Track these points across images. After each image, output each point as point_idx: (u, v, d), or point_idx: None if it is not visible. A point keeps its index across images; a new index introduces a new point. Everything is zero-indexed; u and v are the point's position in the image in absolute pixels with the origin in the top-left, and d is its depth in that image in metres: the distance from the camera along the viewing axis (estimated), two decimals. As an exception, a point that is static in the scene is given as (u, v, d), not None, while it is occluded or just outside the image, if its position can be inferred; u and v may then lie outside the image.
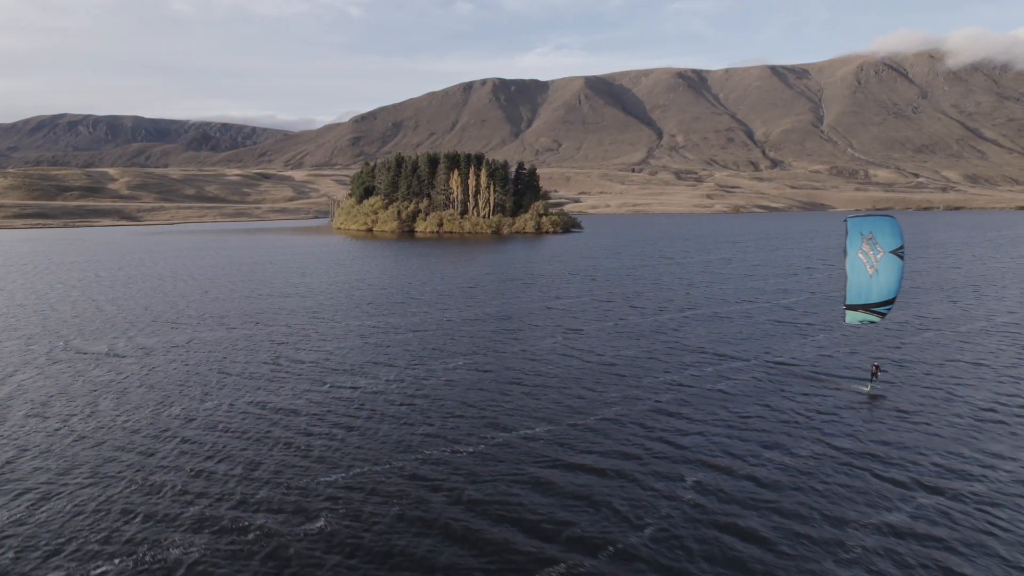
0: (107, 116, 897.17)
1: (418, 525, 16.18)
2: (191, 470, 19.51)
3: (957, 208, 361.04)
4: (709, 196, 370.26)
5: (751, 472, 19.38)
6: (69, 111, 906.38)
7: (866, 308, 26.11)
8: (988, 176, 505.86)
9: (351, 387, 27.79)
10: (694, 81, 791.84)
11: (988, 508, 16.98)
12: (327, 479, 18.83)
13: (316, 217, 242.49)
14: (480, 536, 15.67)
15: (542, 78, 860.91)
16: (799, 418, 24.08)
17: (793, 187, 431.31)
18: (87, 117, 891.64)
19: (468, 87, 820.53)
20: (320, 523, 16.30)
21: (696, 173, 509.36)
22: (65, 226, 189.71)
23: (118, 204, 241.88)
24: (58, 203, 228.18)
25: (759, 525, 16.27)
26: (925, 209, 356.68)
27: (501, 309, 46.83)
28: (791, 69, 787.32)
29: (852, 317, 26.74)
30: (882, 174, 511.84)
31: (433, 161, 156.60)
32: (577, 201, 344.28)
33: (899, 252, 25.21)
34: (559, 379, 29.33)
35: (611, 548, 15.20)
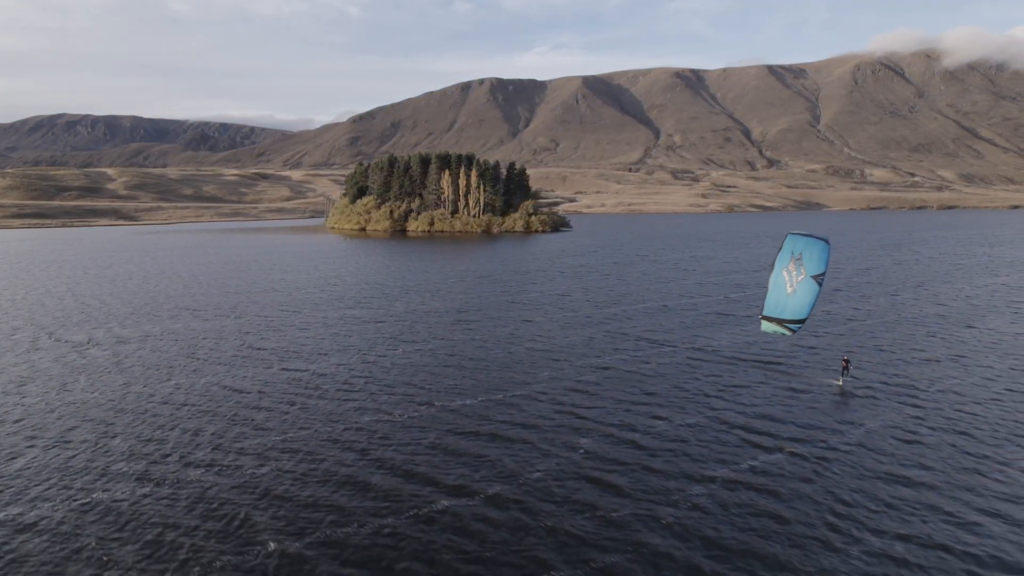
0: (105, 116, 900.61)
1: (326, 476, 19.06)
2: (144, 436, 22.35)
3: (951, 207, 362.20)
4: (704, 195, 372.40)
5: (634, 437, 22.17)
6: (68, 111, 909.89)
7: (779, 322, 27.05)
8: (983, 175, 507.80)
9: (303, 370, 30.63)
10: (692, 81, 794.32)
11: (819, 462, 19.78)
12: (262, 442, 21.68)
13: (312, 216, 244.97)
14: (376, 484, 18.55)
15: (540, 78, 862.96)
16: (698, 395, 26.87)
17: (789, 186, 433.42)
18: (85, 117, 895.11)
19: (466, 87, 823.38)
20: (247, 475, 19.14)
21: (693, 172, 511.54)
22: (63, 226, 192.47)
23: (116, 204, 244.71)
24: (56, 203, 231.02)
25: (621, 478, 19.07)
26: (919, 208, 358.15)
27: (466, 303, 49.60)
28: (788, 69, 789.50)
29: (766, 326, 27.68)
30: (878, 173, 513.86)
31: (425, 161, 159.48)
32: (573, 200, 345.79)
33: (819, 278, 26.05)
34: (498, 362, 32.13)
35: (485, 493, 18.03)
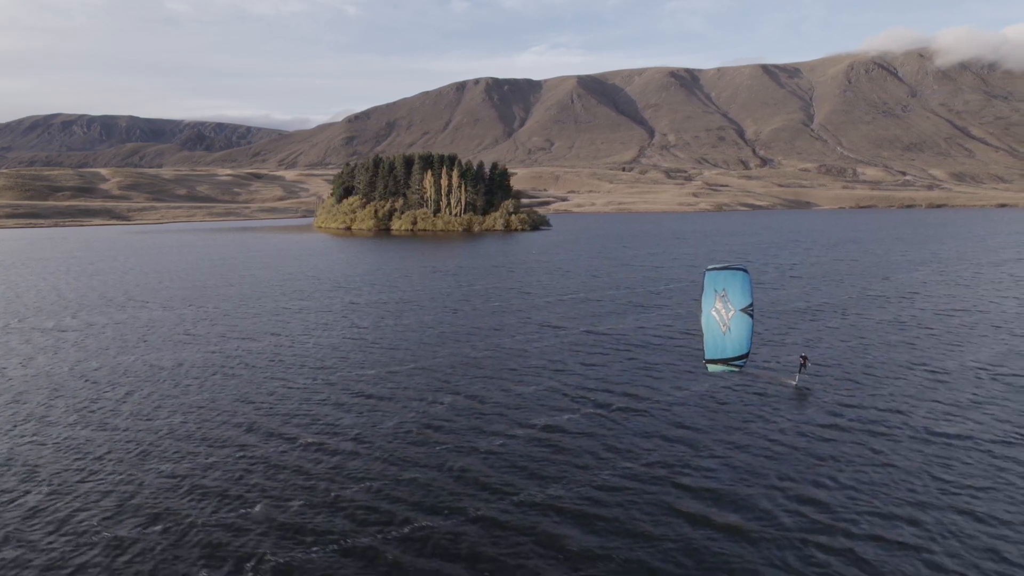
0: (101, 116, 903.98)
1: (191, 431, 22.75)
2: (67, 406, 25.89)
3: (939, 206, 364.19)
4: (695, 195, 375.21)
5: (473, 404, 25.65)
6: (63, 111, 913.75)
7: (723, 362, 26.19)
8: (974, 174, 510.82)
9: (218, 351, 34.11)
10: (686, 80, 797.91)
11: (620, 420, 23.25)
12: (156, 405, 25.29)
13: (304, 216, 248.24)
14: (226, 437, 22.28)
15: (538, 77, 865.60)
16: (558, 369, 30.24)
17: (780, 185, 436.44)
18: (81, 117, 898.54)
19: (461, 86, 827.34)
20: (129, 430, 22.71)
21: (686, 172, 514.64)
22: (56, 226, 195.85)
23: (109, 204, 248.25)
24: (50, 203, 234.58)
25: (440, 433, 22.56)
26: (908, 207, 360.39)
27: (405, 296, 53.00)
28: (782, 68, 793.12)
29: (713, 368, 26.43)
30: (870, 172, 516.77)
31: (408, 162, 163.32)
32: (565, 200, 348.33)
33: (748, 310, 25.57)
34: (404, 344, 35.57)
35: (311, 441, 21.53)
